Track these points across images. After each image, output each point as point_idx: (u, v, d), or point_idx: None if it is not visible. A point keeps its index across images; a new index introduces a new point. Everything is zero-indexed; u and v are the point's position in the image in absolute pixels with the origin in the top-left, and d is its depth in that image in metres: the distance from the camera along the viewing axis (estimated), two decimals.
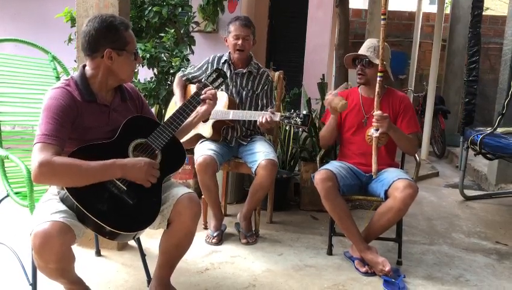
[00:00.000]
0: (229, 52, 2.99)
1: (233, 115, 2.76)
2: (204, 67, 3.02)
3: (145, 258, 2.29)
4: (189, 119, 2.09)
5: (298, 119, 2.50)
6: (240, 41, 2.87)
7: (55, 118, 1.71)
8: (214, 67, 2.94)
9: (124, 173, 1.74)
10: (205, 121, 2.71)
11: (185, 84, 3.05)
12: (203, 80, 2.14)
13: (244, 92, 2.96)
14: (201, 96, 2.08)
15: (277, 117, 2.60)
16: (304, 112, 2.52)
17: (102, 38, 1.79)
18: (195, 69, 3.05)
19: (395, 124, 2.68)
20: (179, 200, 1.86)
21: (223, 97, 2.84)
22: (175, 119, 1.95)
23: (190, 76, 3.05)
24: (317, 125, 3.67)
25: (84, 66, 1.88)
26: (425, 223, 3.52)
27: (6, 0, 5.96)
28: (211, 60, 3.03)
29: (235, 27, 2.89)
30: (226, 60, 2.97)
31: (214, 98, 2.12)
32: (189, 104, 2.03)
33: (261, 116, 2.64)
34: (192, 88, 2.98)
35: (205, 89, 2.10)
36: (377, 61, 2.62)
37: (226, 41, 2.96)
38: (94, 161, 1.68)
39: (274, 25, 6.14)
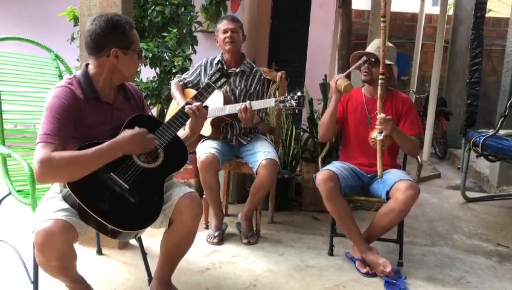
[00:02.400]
0: (221, 53, 3.03)
1: (229, 109, 2.77)
2: (198, 71, 3.05)
3: (146, 257, 2.30)
4: (185, 133, 2.06)
5: (293, 102, 2.52)
6: (228, 34, 2.92)
7: (57, 118, 1.72)
8: (207, 70, 3.00)
9: (124, 149, 1.76)
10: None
11: (183, 88, 3.06)
12: (206, 80, 2.13)
13: (237, 91, 2.98)
14: (185, 110, 1.98)
15: (272, 102, 2.62)
16: (298, 93, 2.53)
17: (109, 38, 1.79)
18: (189, 74, 3.08)
19: (398, 126, 2.68)
20: (181, 200, 1.86)
21: (219, 95, 2.85)
22: (178, 118, 1.95)
23: (186, 81, 3.07)
24: (319, 125, 3.66)
25: (87, 64, 1.88)
26: (426, 224, 3.52)
27: None
28: (203, 62, 3.06)
29: (223, 23, 2.96)
30: (219, 61, 3.00)
31: (198, 111, 2.00)
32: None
33: (239, 105, 2.68)
34: (190, 92, 2.99)
35: (189, 106, 2.00)
36: (386, 61, 2.63)
37: (217, 41, 2.99)
38: (92, 148, 1.70)
39: (276, 25, 6.14)
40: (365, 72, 2.73)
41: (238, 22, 2.98)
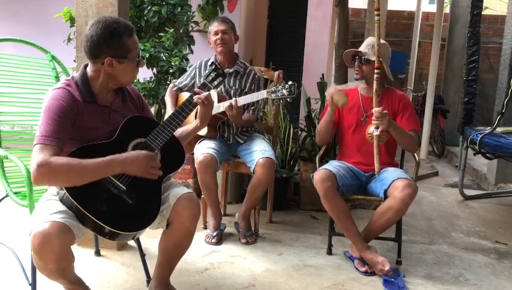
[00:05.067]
0: (215, 55, 3.04)
1: (223, 106, 2.77)
2: (193, 73, 3.06)
3: (144, 258, 2.30)
4: (192, 125, 2.08)
5: (285, 91, 2.55)
6: (219, 36, 2.93)
7: (55, 119, 1.71)
8: (202, 72, 3.02)
9: (124, 168, 1.73)
10: None
11: (176, 95, 3.09)
12: (202, 80, 2.13)
13: (232, 91, 2.99)
14: (194, 100, 2.02)
15: (264, 94, 2.65)
16: (289, 82, 2.55)
17: (104, 46, 1.77)
18: (185, 77, 3.10)
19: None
20: (179, 201, 1.86)
21: (213, 95, 2.85)
22: (174, 119, 1.94)
23: (181, 85, 3.09)
24: (316, 125, 3.66)
25: (86, 66, 1.87)
26: (424, 222, 3.52)
27: None
28: (198, 65, 3.08)
29: (213, 25, 2.98)
30: (212, 62, 3.01)
31: (207, 100, 2.05)
32: (189, 104, 2.02)
33: (227, 103, 2.71)
34: (184, 96, 3.00)
35: (198, 96, 2.03)
36: (374, 58, 2.63)
37: (210, 43, 3.01)
38: (92, 159, 1.68)
39: (273, 25, 6.14)
40: (356, 70, 2.74)
41: (228, 23, 2.98)
